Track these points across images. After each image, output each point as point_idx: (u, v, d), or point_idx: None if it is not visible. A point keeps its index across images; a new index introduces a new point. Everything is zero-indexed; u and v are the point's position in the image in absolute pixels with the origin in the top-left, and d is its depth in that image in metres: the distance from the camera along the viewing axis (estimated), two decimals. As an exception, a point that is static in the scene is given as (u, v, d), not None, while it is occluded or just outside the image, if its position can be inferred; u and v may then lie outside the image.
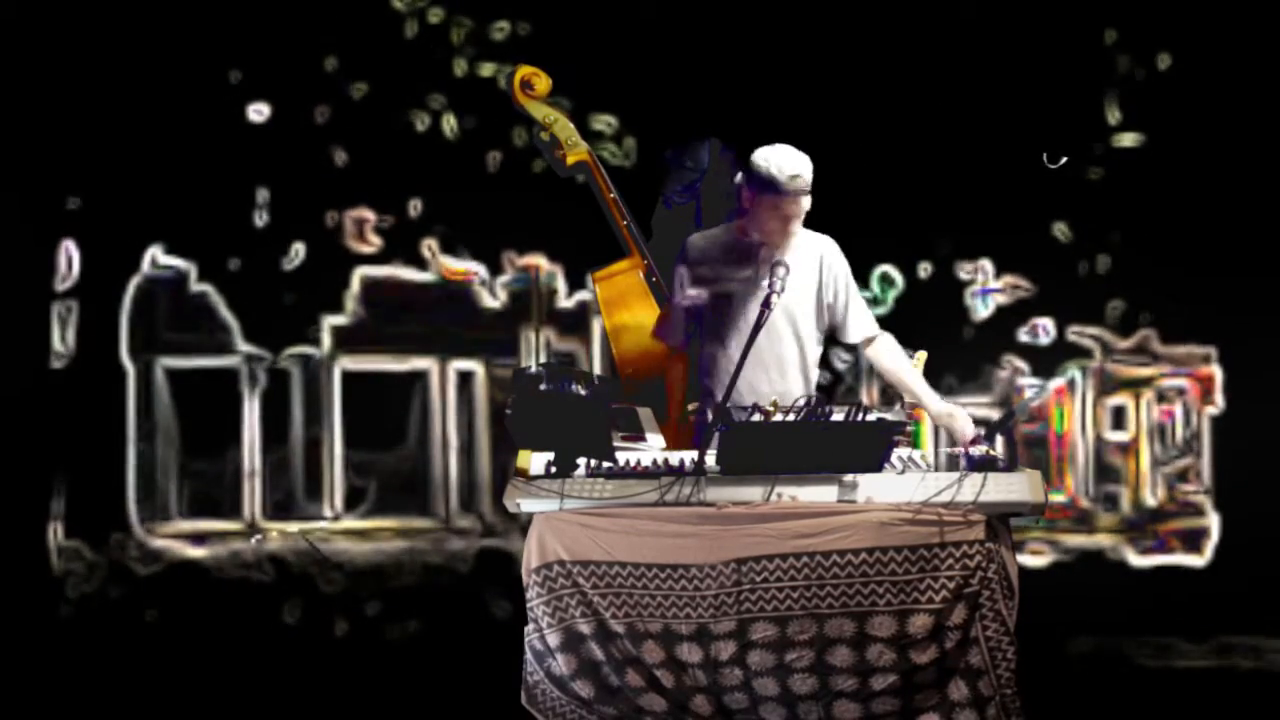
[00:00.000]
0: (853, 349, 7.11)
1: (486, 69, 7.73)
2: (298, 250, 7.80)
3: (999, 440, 5.73)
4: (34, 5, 7.64)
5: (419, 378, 7.89)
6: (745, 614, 5.38)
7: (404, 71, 7.72)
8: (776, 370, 6.05)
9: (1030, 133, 7.63)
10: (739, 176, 5.94)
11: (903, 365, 6.05)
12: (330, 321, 7.84)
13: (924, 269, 7.72)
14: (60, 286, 7.77)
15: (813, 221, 6.04)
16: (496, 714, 5.92)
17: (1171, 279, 7.74)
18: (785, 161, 5.83)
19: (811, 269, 6.04)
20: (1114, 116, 7.77)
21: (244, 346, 7.81)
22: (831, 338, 6.17)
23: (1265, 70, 7.67)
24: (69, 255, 7.78)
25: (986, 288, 7.86)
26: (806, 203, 5.89)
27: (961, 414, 5.90)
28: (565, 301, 7.86)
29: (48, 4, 7.64)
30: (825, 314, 6.07)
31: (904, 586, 5.36)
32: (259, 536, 7.78)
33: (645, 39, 7.56)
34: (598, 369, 7.47)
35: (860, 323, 6.08)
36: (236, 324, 7.80)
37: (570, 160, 6.55)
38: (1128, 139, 7.74)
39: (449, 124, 7.71)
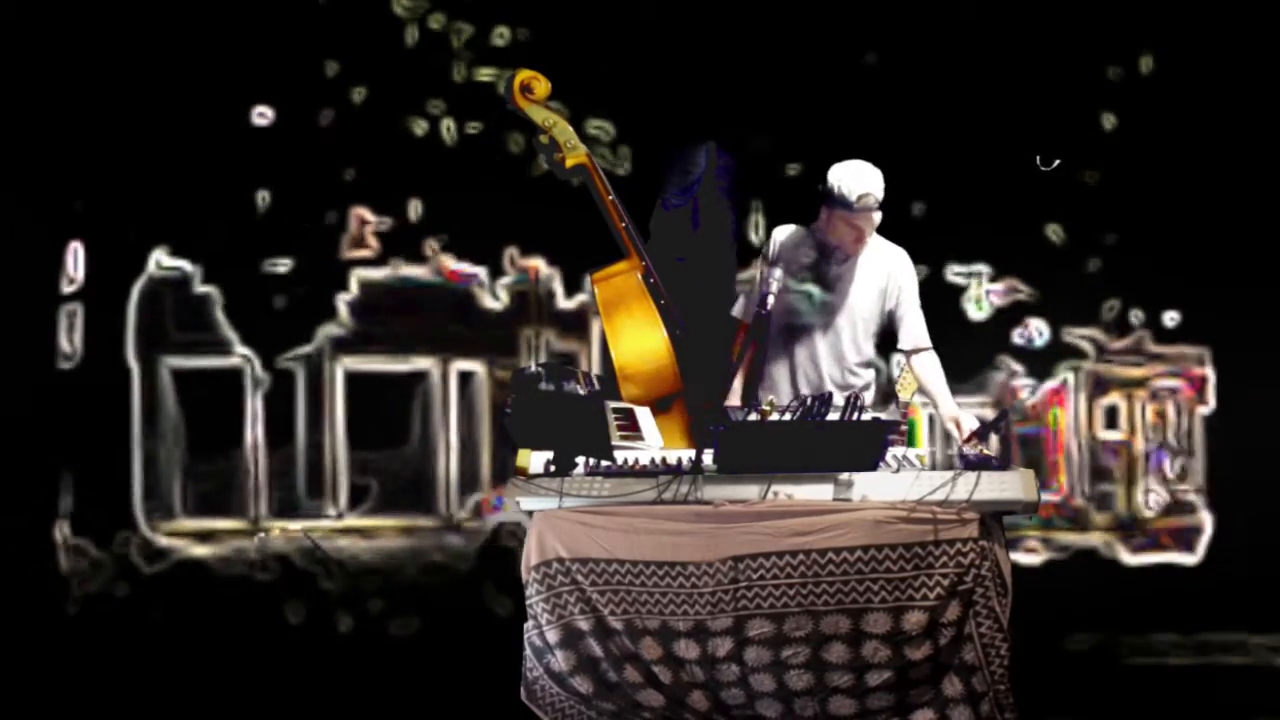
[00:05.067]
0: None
1: (486, 74, 7.76)
2: (300, 253, 7.84)
3: (993, 439, 5.79)
4: (40, 9, 7.68)
5: (421, 378, 7.92)
6: (742, 611, 5.41)
7: (405, 76, 7.75)
8: (831, 365, 6.31)
9: (1025, 135, 7.65)
10: (821, 186, 6.17)
11: (937, 381, 6.27)
12: (330, 324, 7.87)
13: (919, 270, 7.75)
14: (66, 288, 7.81)
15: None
16: (497, 709, 5.95)
17: (1166, 280, 7.77)
18: (855, 182, 6.09)
19: (879, 276, 6.29)
20: (1109, 121, 7.80)
21: (242, 349, 7.84)
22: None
23: (1259, 74, 7.69)
24: (75, 257, 7.81)
25: (985, 289, 7.90)
26: (876, 218, 6.17)
27: (970, 421, 6.01)
28: (565, 303, 7.90)
29: (53, 8, 7.68)
30: (884, 319, 6.33)
31: (899, 584, 5.39)
32: (263, 535, 7.82)
33: (644, 45, 7.58)
34: (597, 369, 7.51)
35: (913, 333, 6.32)
36: (239, 325, 7.84)
37: (569, 163, 6.57)
38: (1121, 143, 7.78)
39: (448, 130, 7.75)
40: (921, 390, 6.32)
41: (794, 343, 6.31)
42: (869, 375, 6.39)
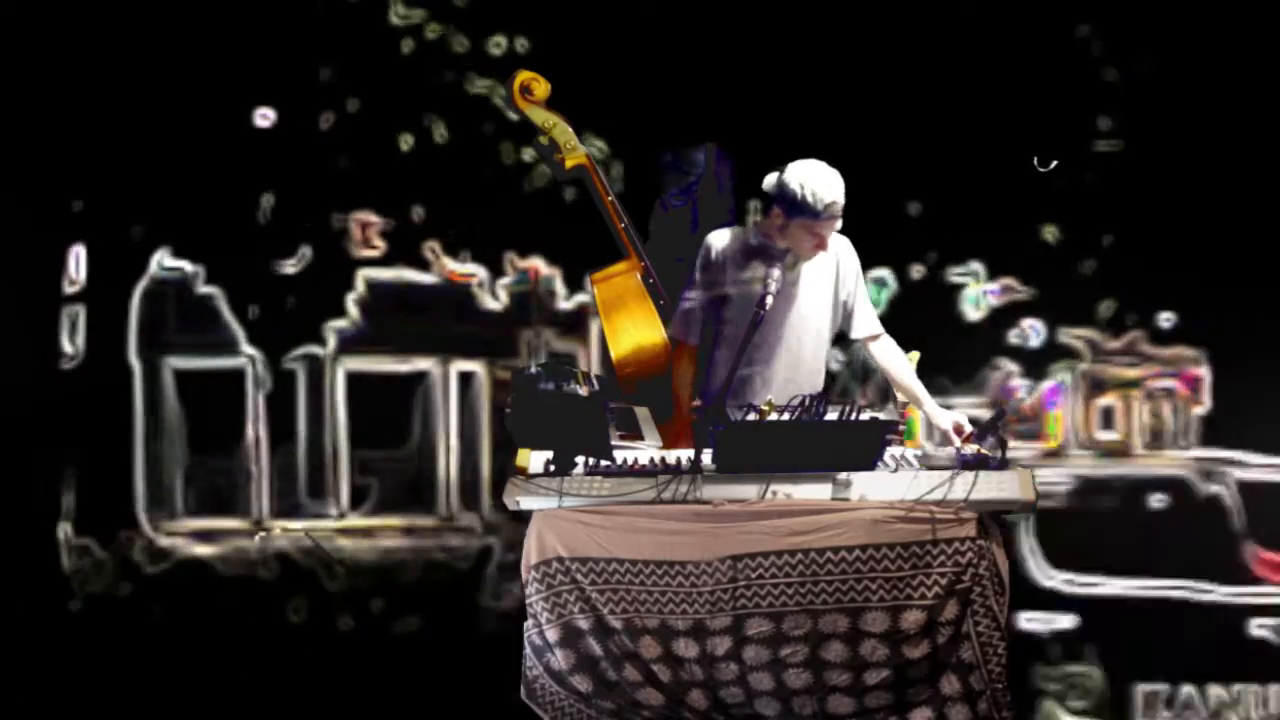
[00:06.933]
0: (849, 348, 7.21)
1: (482, 85, 7.78)
2: (303, 253, 7.86)
3: (990, 439, 5.81)
4: (42, 10, 7.70)
5: (421, 378, 7.95)
6: (741, 610, 5.44)
7: (406, 79, 7.77)
8: (790, 369, 6.17)
9: (1021, 135, 7.67)
10: (769, 183, 6.01)
11: (901, 365, 6.20)
12: (333, 324, 7.90)
13: (916, 271, 7.78)
14: (68, 289, 7.83)
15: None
16: (497, 708, 5.98)
17: (1162, 280, 7.78)
18: (821, 189, 5.90)
19: (829, 270, 6.16)
20: (1104, 121, 7.82)
21: (248, 348, 7.87)
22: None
23: (1256, 75, 7.71)
24: (77, 259, 7.84)
25: (982, 289, 7.91)
26: (839, 223, 6.00)
27: (956, 417, 6.01)
28: (565, 303, 7.92)
29: (56, 9, 7.71)
30: (840, 312, 6.20)
31: (897, 583, 5.42)
32: (263, 533, 7.84)
33: (639, 54, 7.60)
34: (596, 369, 7.53)
35: (865, 321, 6.22)
36: (241, 325, 7.87)
37: (569, 164, 6.61)
38: (1117, 143, 7.79)
39: (439, 134, 7.78)
40: (890, 380, 6.24)
41: (752, 351, 6.09)
42: (822, 376, 6.27)
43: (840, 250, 6.19)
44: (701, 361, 6.25)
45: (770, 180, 6.02)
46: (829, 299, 6.18)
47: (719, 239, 6.21)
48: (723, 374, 6.10)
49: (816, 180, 5.92)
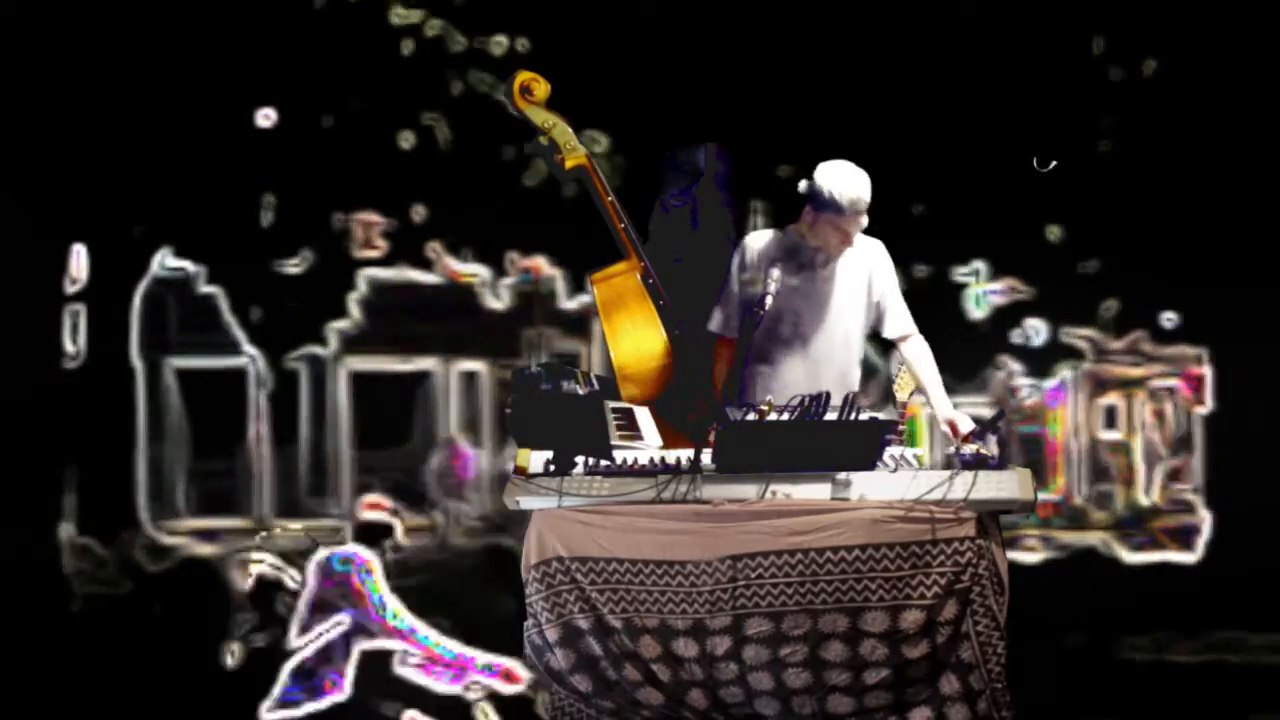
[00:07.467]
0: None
1: (485, 82, 7.79)
2: (305, 253, 7.87)
3: (991, 439, 5.82)
4: (45, 11, 7.72)
5: (424, 378, 7.95)
6: (740, 609, 5.43)
7: (407, 79, 7.79)
8: (818, 366, 6.25)
9: (1024, 136, 7.68)
10: (802, 185, 6.14)
11: (926, 364, 6.28)
12: (335, 324, 7.91)
13: (920, 270, 7.78)
14: (70, 288, 7.84)
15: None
16: (497, 708, 5.99)
17: (1164, 280, 7.79)
18: (848, 187, 6.08)
19: (861, 271, 6.28)
20: (1106, 121, 7.83)
21: (250, 348, 7.88)
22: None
23: (1256, 75, 7.71)
24: (78, 258, 7.85)
25: (985, 289, 7.92)
26: (864, 221, 6.16)
27: (959, 416, 6.03)
28: (567, 303, 7.93)
29: (58, 10, 7.72)
30: (872, 313, 6.30)
31: (896, 582, 5.41)
32: (264, 534, 7.85)
33: (639, 53, 7.61)
34: (598, 369, 7.54)
35: (898, 320, 6.32)
36: (243, 325, 7.88)
37: (569, 164, 6.60)
38: (1119, 143, 7.80)
39: (442, 134, 7.79)
40: (914, 379, 6.31)
41: (783, 349, 6.28)
42: (856, 376, 6.37)
43: (873, 252, 6.32)
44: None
45: (803, 182, 6.15)
46: (861, 300, 6.29)
47: (756, 240, 6.35)
48: (764, 368, 6.24)
49: (842, 178, 6.09)
